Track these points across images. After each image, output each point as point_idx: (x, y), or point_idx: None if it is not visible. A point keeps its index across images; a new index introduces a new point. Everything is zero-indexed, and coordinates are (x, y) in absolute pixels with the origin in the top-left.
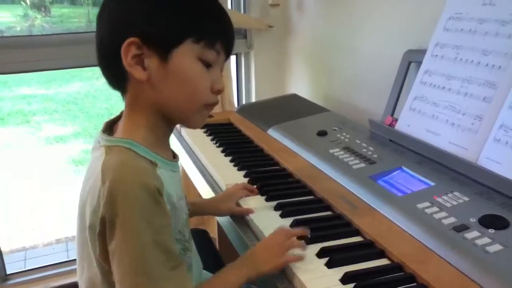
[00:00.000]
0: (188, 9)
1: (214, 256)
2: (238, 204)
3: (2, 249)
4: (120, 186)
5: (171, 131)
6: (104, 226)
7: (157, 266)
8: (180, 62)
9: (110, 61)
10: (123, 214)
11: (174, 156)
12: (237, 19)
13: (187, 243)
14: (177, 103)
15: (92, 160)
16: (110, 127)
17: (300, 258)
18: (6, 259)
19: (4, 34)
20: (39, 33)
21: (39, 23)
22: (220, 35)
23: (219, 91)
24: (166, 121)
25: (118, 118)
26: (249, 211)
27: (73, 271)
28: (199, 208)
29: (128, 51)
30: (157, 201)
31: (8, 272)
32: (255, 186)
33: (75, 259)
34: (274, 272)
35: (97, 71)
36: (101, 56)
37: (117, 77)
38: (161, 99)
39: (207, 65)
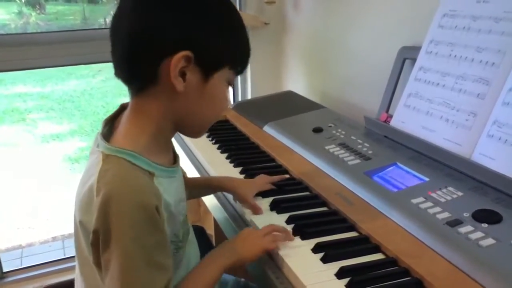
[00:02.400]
0: (235, 39)
1: None
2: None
3: None
4: (115, 204)
5: (173, 135)
6: (96, 238)
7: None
8: (216, 84)
9: (145, 61)
10: (116, 231)
11: (175, 159)
12: None
13: (181, 243)
14: (198, 119)
15: (90, 163)
16: (109, 126)
17: (277, 246)
18: (2, 257)
19: None
20: (34, 31)
21: (34, 21)
22: (247, 64)
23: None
24: (175, 128)
25: (117, 114)
26: (259, 211)
27: (70, 269)
28: (217, 183)
29: (178, 63)
30: (153, 220)
31: (4, 270)
32: None
33: (71, 257)
34: (253, 259)
35: (93, 69)
36: (134, 51)
37: (143, 77)
38: (185, 112)
39: (229, 85)
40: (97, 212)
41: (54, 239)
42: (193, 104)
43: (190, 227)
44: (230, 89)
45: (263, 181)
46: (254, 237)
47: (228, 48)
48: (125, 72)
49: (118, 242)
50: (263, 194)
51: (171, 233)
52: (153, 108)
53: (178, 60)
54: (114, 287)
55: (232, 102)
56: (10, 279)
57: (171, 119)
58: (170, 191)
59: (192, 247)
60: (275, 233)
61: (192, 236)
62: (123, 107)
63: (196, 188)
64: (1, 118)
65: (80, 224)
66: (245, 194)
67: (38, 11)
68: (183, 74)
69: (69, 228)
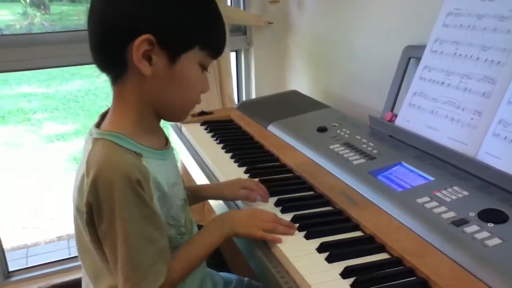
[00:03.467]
0: (201, 17)
1: (215, 251)
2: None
3: (4, 246)
4: (102, 179)
5: (159, 121)
6: (90, 213)
7: (143, 256)
8: (185, 66)
9: (112, 48)
10: (106, 204)
11: (167, 144)
12: (237, 16)
13: (183, 228)
14: (173, 102)
15: (83, 151)
16: (102, 118)
17: (276, 239)
18: (8, 256)
19: (4, 32)
20: (39, 31)
21: (39, 21)
22: (221, 45)
23: (204, 92)
24: (155, 114)
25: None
26: (253, 199)
27: (75, 268)
28: (203, 192)
29: (140, 47)
30: (136, 192)
31: (10, 269)
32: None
33: (76, 256)
34: (247, 237)
35: (97, 69)
36: (101, 40)
37: (115, 64)
38: (158, 95)
39: (203, 69)
40: (88, 189)
41: (59, 238)
42: (164, 88)
43: (193, 219)
44: (235, 83)
45: (247, 179)
46: (256, 219)
47: (194, 29)
48: (98, 60)
49: (110, 213)
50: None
51: (167, 215)
52: (130, 94)
53: (139, 44)
54: (113, 257)
55: (236, 101)
56: (15, 278)
57: (148, 104)
58: (160, 173)
59: None
60: (280, 226)
61: (196, 230)
62: None
63: (190, 197)
64: (6, 118)
65: (77, 211)
66: (232, 193)
67: (42, 12)
68: (149, 58)
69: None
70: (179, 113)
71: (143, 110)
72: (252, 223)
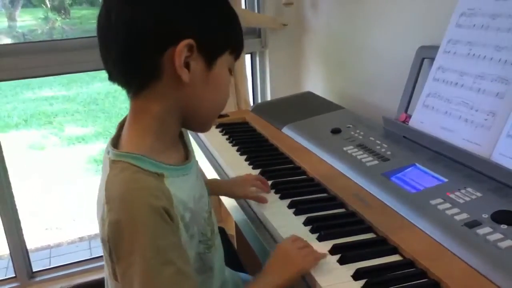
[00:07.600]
0: (231, 21)
1: (232, 253)
2: None
3: (28, 247)
4: (123, 210)
5: (179, 131)
6: (110, 248)
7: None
8: (220, 70)
9: (145, 55)
10: (129, 238)
11: (187, 156)
12: (251, 18)
13: (210, 241)
14: (206, 109)
15: (102, 171)
16: (118, 131)
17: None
18: (32, 257)
19: (26, 37)
20: (60, 35)
21: (59, 25)
22: (242, 49)
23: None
24: (181, 123)
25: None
26: (263, 200)
27: (96, 269)
28: (214, 187)
29: (182, 53)
30: (164, 222)
31: (34, 270)
32: (269, 183)
33: (97, 257)
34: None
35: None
36: (132, 48)
37: (144, 74)
38: (193, 103)
39: (230, 73)
40: (108, 220)
41: (81, 239)
42: (199, 95)
43: (215, 223)
44: (250, 85)
45: (250, 176)
46: (293, 254)
47: (227, 32)
48: (124, 72)
49: (133, 249)
50: (281, 195)
51: (198, 232)
52: (156, 105)
53: (181, 49)
54: None
55: (251, 104)
56: (39, 278)
57: (177, 113)
58: (185, 190)
59: (220, 245)
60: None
61: (217, 233)
62: None
63: None
64: (29, 121)
65: (102, 241)
66: (243, 191)
67: (63, 16)
68: (187, 64)
69: (95, 229)
70: (208, 121)
71: (168, 122)
72: (295, 261)
